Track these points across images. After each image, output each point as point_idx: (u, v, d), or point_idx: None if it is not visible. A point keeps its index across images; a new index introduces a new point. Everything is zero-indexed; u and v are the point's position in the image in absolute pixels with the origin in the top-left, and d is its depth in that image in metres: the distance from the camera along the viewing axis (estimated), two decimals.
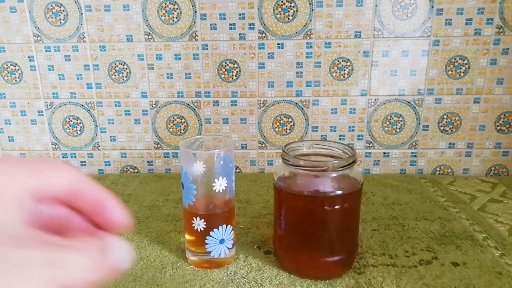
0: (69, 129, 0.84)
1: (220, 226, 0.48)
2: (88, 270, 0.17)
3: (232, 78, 0.79)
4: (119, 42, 0.78)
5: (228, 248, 0.50)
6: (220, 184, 0.46)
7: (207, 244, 0.48)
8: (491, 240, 0.54)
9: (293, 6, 0.75)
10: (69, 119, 0.83)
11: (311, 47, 0.77)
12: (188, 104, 0.81)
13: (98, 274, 0.17)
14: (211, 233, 0.48)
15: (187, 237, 0.50)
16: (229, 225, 0.49)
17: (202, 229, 0.48)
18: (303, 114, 0.81)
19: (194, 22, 0.76)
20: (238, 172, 0.85)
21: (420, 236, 0.56)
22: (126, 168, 0.86)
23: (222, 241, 0.49)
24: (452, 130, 0.80)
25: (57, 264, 0.16)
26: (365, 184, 0.62)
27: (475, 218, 0.61)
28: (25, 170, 0.17)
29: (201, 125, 0.83)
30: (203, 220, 0.47)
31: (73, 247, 0.17)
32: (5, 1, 0.76)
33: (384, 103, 0.79)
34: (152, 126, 0.83)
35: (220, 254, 0.49)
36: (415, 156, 0.82)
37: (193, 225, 0.48)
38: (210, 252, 0.49)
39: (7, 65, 0.80)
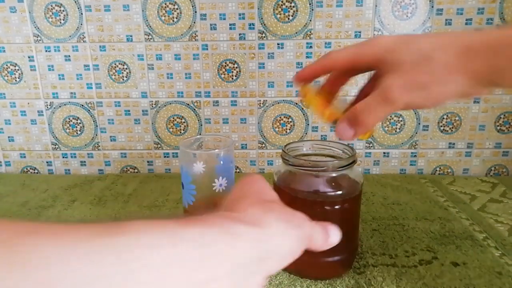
0: (69, 129, 0.84)
1: None
2: (322, 241, 0.29)
3: (232, 78, 0.79)
4: (119, 42, 0.78)
5: None
6: (220, 184, 0.46)
7: None
8: (491, 240, 0.54)
9: (293, 6, 0.75)
10: (69, 119, 0.83)
11: (311, 47, 0.77)
12: (188, 104, 0.81)
13: (324, 246, 0.29)
14: None
15: None
16: None
17: None
18: (303, 114, 0.81)
19: (194, 22, 0.76)
20: (238, 172, 0.85)
21: (420, 236, 0.56)
22: (126, 168, 0.86)
23: None
24: (452, 130, 0.80)
25: (314, 229, 0.28)
26: (365, 184, 0.62)
27: (475, 218, 0.61)
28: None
29: (201, 125, 0.83)
30: None
31: (318, 226, 0.29)
32: (5, 1, 0.76)
33: None
34: (152, 126, 0.83)
35: None
36: (415, 156, 0.82)
37: None
38: None
39: (7, 65, 0.80)
